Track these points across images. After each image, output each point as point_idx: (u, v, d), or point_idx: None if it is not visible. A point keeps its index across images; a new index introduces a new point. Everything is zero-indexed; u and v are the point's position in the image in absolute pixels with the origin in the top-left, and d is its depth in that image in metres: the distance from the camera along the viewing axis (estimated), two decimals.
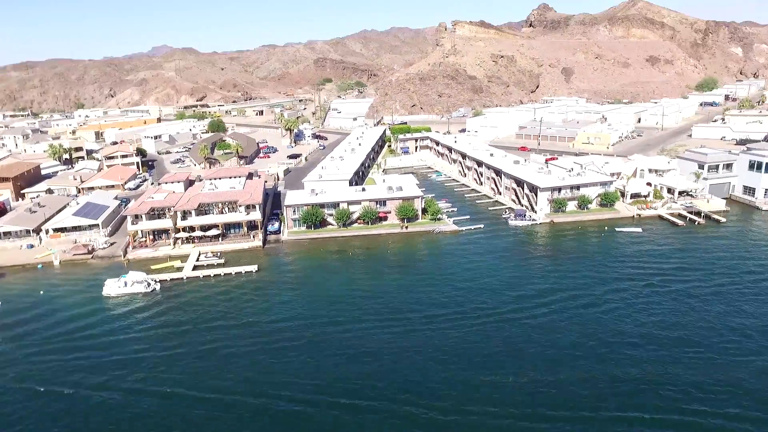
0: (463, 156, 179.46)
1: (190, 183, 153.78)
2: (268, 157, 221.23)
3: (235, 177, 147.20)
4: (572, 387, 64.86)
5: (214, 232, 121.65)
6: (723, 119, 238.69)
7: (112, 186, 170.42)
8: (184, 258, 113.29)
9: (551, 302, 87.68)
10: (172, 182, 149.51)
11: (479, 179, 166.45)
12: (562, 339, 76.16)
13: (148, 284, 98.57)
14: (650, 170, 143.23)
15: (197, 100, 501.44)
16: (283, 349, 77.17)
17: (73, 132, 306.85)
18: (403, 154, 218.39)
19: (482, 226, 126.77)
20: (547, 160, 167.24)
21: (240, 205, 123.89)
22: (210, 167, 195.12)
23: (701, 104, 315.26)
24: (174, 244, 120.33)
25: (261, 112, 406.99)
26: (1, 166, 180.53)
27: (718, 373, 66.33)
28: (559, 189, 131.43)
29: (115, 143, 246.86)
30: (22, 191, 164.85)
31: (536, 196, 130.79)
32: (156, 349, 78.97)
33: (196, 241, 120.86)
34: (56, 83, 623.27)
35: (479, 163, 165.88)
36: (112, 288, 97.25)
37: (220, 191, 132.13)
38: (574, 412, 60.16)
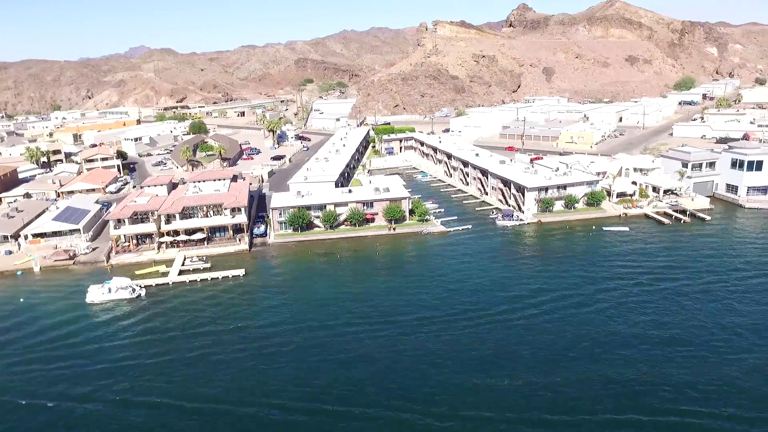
0: (449, 156, 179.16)
1: (173, 186, 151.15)
2: (252, 158, 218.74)
3: (219, 179, 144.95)
4: (568, 389, 64.54)
5: (199, 235, 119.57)
6: (702, 118, 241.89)
7: (93, 189, 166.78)
8: (169, 263, 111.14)
9: (542, 303, 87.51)
10: (155, 185, 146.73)
11: (465, 179, 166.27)
12: (555, 340, 75.90)
13: (133, 290, 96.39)
14: (635, 169, 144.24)
15: (177, 102, 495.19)
16: (274, 355, 75.85)
17: (51, 134, 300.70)
18: (388, 154, 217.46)
19: (470, 226, 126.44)
20: (532, 160, 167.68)
21: (225, 208, 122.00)
22: (192, 169, 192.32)
23: (680, 103, 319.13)
24: (158, 248, 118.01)
25: (242, 114, 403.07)
26: None
27: (711, 372, 66.52)
28: (546, 189, 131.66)
29: (94, 146, 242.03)
30: None
31: (524, 196, 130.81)
32: (142, 356, 77.06)
33: (180, 245, 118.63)
34: (31, 84, 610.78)
35: (465, 164, 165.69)
36: (96, 294, 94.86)
37: (205, 194, 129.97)
38: (572, 416, 59.77)
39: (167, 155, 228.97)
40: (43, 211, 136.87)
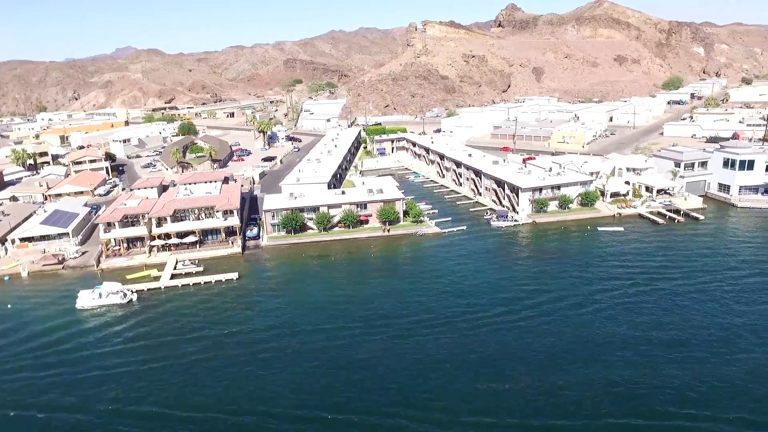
0: (441, 157, 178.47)
1: (164, 188, 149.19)
2: (242, 160, 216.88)
3: (210, 181, 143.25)
4: (569, 392, 63.80)
5: (191, 239, 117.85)
6: (692, 117, 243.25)
7: (81, 192, 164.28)
8: (160, 266, 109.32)
9: (540, 304, 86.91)
10: (145, 188, 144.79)
11: (458, 180, 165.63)
12: (554, 342, 75.24)
13: (125, 295, 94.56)
14: (628, 169, 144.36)
15: (165, 103, 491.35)
16: (269, 360, 74.56)
17: (37, 136, 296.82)
18: (380, 155, 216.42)
19: (465, 227, 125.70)
20: (524, 160, 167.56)
21: (217, 211, 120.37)
22: (182, 171, 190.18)
23: (669, 103, 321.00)
24: (149, 252, 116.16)
25: (232, 114, 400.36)
26: None
27: (712, 374, 66.10)
28: (540, 189, 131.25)
29: (82, 147, 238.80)
30: None
31: (518, 196, 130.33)
32: (135, 363, 75.41)
33: (172, 248, 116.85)
34: (16, 85, 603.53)
35: (458, 164, 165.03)
36: (86, 300, 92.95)
37: (196, 196, 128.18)
38: (574, 420, 58.98)
39: (157, 157, 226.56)
40: (31, 215, 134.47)
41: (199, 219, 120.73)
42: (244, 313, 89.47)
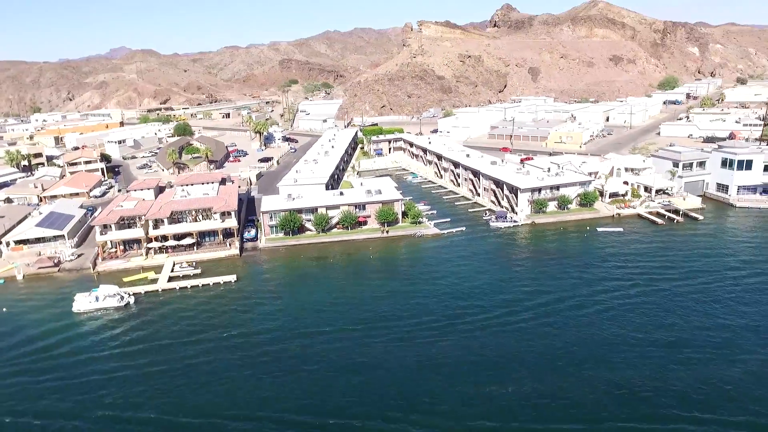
0: (439, 157, 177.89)
1: (160, 190, 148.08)
2: (239, 161, 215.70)
3: (207, 183, 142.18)
4: (573, 395, 63.23)
5: (188, 240, 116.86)
6: (688, 117, 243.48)
7: (77, 194, 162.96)
8: (157, 269, 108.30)
9: (541, 305, 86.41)
10: (142, 189, 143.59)
11: (456, 180, 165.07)
12: (556, 343, 74.72)
13: (122, 298, 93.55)
14: (626, 169, 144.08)
15: (161, 103, 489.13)
16: (269, 363, 73.78)
17: (31, 137, 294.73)
18: (377, 155, 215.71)
19: (464, 228, 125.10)
20: (522, 160, 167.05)
21: (215, 212, 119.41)
22: (179, 172, 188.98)
23: (665, 103, 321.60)
24: (146, 254, 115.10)
25: (228, 115, 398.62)
26: None
27: (715, 375, 65.70)
28: (539, 189, 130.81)
29: (77, 148, 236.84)
30: None
31: (516, 197, 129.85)
32: (132, 367, 74.51)
33: (169, 250, 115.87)
34: (9, 86, 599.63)
35: (456, 165, 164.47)
36: (83, 303, 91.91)
37: (193, 198, 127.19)
38: (580, 425, 58.36)
39: (152, 158, 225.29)
40: (25, 217, 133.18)
41: (196, 221, 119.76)
42: (243, 316, 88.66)
